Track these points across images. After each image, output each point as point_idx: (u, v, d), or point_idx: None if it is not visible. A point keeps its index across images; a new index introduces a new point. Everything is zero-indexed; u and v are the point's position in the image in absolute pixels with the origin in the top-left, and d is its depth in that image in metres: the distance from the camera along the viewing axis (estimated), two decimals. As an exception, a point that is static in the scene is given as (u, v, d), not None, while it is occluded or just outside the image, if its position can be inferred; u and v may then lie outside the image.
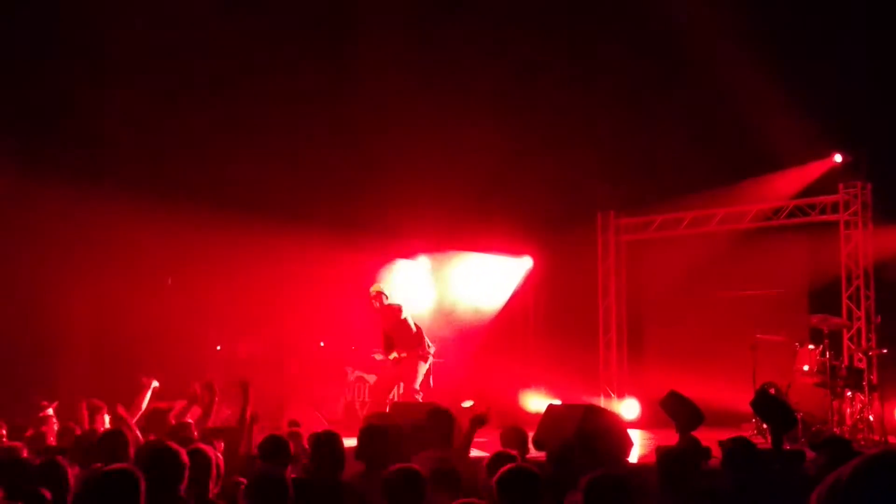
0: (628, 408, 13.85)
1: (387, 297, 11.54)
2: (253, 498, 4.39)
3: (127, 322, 13.34)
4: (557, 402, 10.78)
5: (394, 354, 11.46)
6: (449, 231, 14.33)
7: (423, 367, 11.45)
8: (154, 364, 10.16)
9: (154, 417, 8.65)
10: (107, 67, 12.71)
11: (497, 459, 5.66)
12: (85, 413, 8.75)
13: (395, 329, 11.46)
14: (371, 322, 12.57)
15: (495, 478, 4.17)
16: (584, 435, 7.20)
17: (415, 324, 11.58)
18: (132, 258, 13.70)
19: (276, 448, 5.78)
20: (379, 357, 11.79)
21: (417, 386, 11.31)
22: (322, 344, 15.14)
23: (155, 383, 9.14)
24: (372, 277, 13.24)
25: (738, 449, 5.65)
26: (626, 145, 13.70)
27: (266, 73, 13.48)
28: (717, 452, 6.80)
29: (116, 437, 6.20)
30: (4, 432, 8.29)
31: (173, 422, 8.24)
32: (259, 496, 4.36)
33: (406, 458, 5.60)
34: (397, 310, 11.46)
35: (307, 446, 6.27)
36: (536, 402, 13.86)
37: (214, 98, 13.35)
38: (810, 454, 6.84)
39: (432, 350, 11.63)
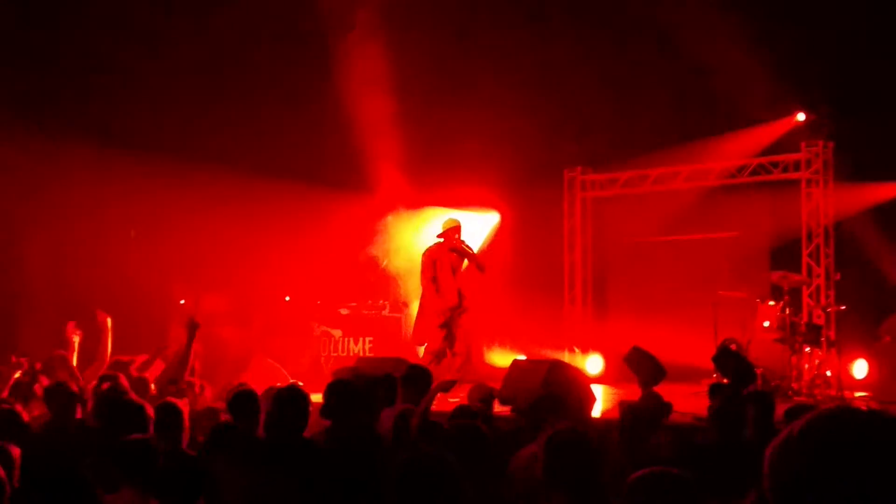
0: (592, 363, 13.99)
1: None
2: None
3: (89, 274, 13.22)
4: (522, 357, 10.85)
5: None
6: (415, 185, 14.30)
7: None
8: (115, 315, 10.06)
9: (115, 369, 8.58)
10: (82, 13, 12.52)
11: (458, 414, 5.72)
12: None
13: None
14: (335, 277, 12.50)
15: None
16: (549, 390, 7.28)
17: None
18: (95, 209, 13.55)
19: (245, 403, 5.75)
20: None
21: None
22: (287, 298, 15.11)
23: (109, 321, 8.95)
24: (340, 231, 13.20)
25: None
26: (592, 102, 13.70)
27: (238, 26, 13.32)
28: (678, 407, 6.91)
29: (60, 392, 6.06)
30: None
31: (135, 374, 8.20)
32: None
33: (375, 414, 5.60)
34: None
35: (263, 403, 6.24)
36: (501, 357, 13.96)
37: (183, 50, 13.17)
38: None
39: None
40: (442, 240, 10.46)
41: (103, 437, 4.95)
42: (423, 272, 10.44)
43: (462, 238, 10.50)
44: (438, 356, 10.19)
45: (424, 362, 10.05)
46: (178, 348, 8.00)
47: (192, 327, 7.48)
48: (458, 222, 10.54)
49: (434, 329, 10.24)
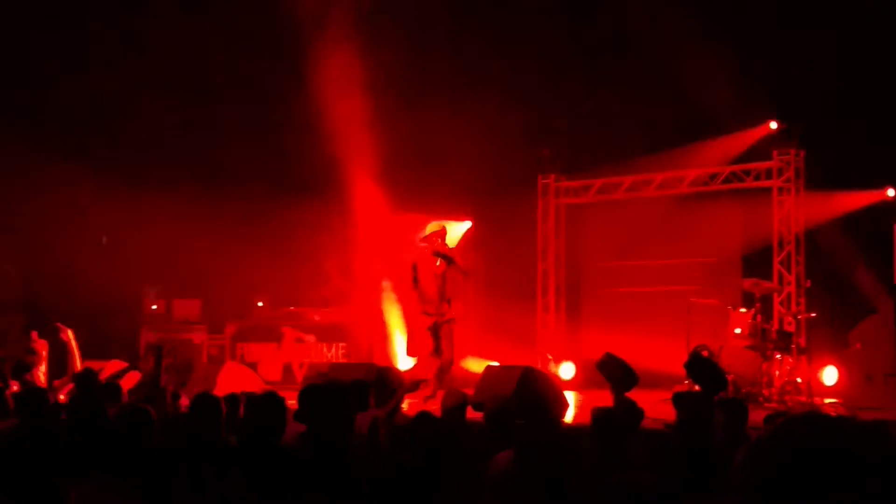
0: (565, 370, 14.03)
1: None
2: None
3: (59, 279, 13.11)
4: (495, 363, 10.86)
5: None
6: (388, 192, 14.29)
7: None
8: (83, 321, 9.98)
9: (85, 376, 8.49)
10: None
11: (419, 421, 5.70)
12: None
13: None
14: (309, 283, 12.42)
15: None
16: (522, 396, 7.30)
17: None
18: (66, 214, 13.45)
19: (208, 407, 5.69)
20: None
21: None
22: (260, 304, 15.05)
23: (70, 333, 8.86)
24: (313, 238, 13.15)
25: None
26: (566, 110, 13.77)
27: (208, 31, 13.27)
28: (650, 413, 6.95)
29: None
30: None
31: (104, 382, 8.14)
32: None
33: (350, 419, 5.55)
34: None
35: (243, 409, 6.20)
36: (475, 363, 13.96)
37: (153, 54, 13.10)
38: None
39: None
40: (425, 244, 10.36)
41: (71, 437, 4.93)
42: (403, 277, 10.37)
43: (446, 243, 10.38)
44: (433, 360, 10.00)
45: (426, 367, 9.97)
46: (148, 371, 7.94)
47: (157, 354, 7.43)
48: (443, 227, 10.43)
49: (423, 335, 10.11)
